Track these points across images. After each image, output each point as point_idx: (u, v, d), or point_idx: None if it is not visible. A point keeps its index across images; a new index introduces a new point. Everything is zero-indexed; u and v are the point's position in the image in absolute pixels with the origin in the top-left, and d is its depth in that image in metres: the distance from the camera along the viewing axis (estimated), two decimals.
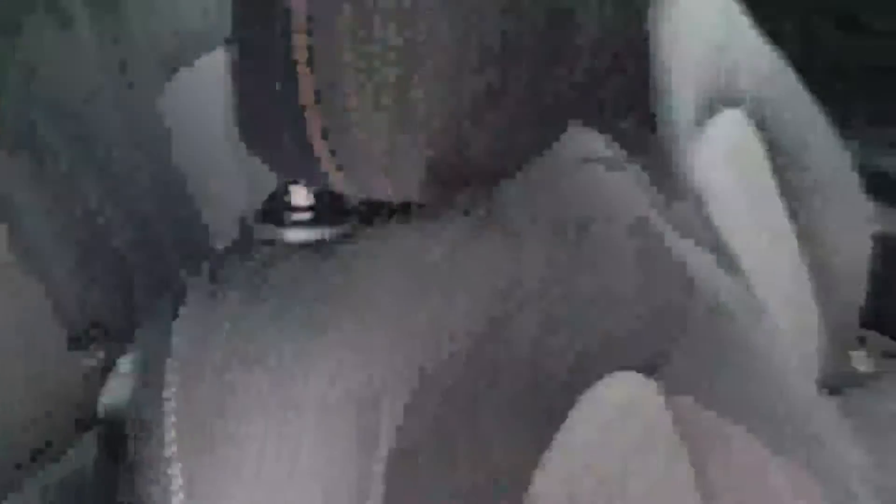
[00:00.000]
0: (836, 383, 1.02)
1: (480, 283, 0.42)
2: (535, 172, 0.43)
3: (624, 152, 0.51)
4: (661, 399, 0.49)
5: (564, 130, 0.42)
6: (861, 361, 1.11)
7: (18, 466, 0.82)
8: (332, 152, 0.35)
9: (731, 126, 0.90)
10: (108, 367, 0.83)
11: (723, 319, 0.56)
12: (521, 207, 0.44)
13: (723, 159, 0.87)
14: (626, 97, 0.74)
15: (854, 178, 1.01)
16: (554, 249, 0.46)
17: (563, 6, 0.35)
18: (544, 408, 0.43)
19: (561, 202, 0.47)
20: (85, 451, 0.82)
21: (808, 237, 0.98)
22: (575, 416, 0.44)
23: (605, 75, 0.41)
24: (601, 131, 0.51)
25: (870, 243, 1.02)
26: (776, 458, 0.53)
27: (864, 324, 1.13)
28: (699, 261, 0.56)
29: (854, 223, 1.00)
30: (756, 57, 0.94)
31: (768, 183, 0.94)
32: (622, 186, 0.51)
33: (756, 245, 0.86)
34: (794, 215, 0.97)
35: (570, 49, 0.37)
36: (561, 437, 0.43)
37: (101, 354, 0.86)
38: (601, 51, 0.39)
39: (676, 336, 0.50)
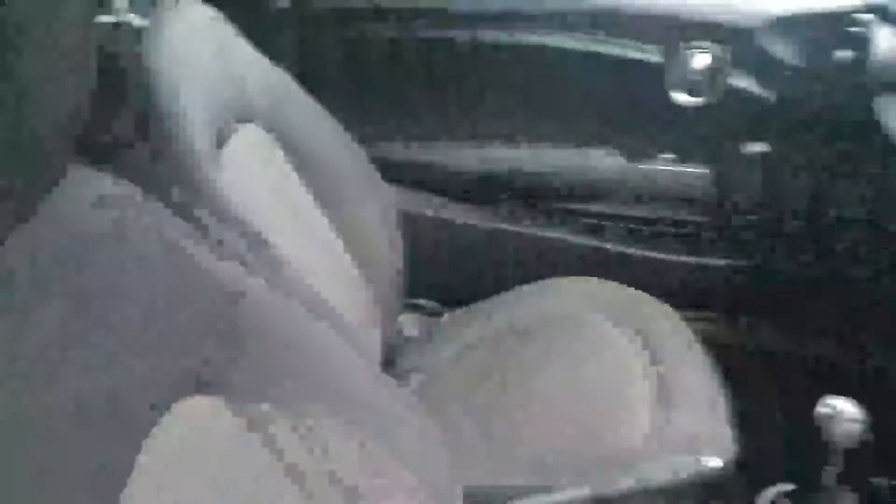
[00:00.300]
0: (390, 351, 1.16)
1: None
2: (41, 224, 0.41)
3: (137, 186, 0.51)
4: (230, 412, 0.51)
5: (57, 175, 0.41)
6: (410, 326, 1.27)
7: None
8: None
9: (249, 140, 0.94)
10: None
11: (278, 323, 0.60)
12: (34, 266, 0.42)
13: (248, 171, 0.91)
14: (133, 130, 0.73)
15: (370, 169, 1.14)
16: (78, 298, 0.44)
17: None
18: (124, 438, 0.42)
19: (78, 249, 0.45)
20: None
21: (344, 228, 1.08)
22: (151, 445, 0.44)
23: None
24: (109, 167, 0.50)
25: (395, 222, 1.16)
26: (354, 436, 0.59)
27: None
28: (240, 274, 0.59)
29: (378, 208, 1.13)
30: (261, 74, 1.00)
31: (297, 186, 1.02)
32: (143, 221, 0.51)
33: (299, 245, 0.92)
34: (327, 211, 1.06)
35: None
36: (140, 466, 0.43)
37: None
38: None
39: (233, 351, 0.53)
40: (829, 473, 0.78)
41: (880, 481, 0.99)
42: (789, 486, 0.85)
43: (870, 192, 1.29)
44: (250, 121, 0.95)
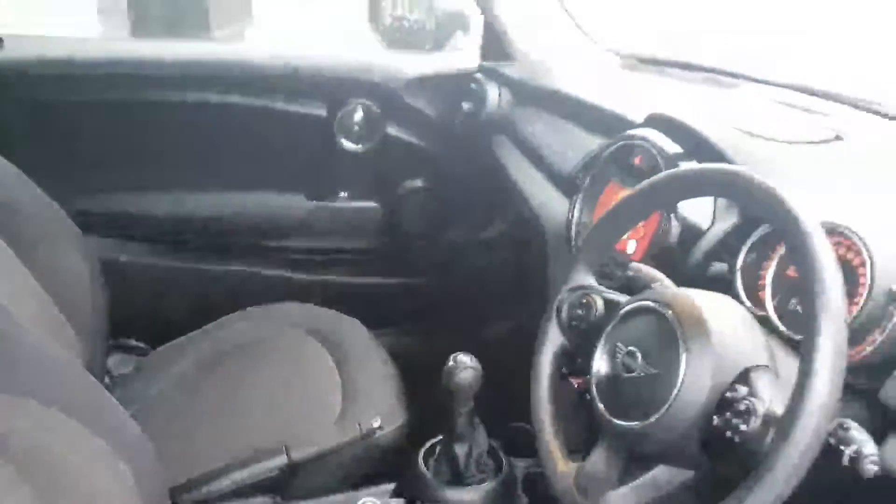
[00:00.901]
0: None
1: None
2: None
3: None
4: None
5: None
6: (120, 365, 1.35)
7: None
8: None
9: None
10: None
11: None
12: None
13: None
14: None
15: (66, 221, 1.23)
16: None
17: None
18: None
19: None
20: None
21: (44, 277, 1.15)
22: None
23: None
24: None
25: (96, 268, 1.25)
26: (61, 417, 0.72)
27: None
28: None
29: (76, 256, 1.22)
30: None
31: None
32: None
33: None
34: (30, 264, 1.13)
35: None
36: None
37: None
38: None
39: None
40: (462, 415, 1.03)
41: (518, 426, 1.27)
42: (439, 437, 1.09)
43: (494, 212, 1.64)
44: None
